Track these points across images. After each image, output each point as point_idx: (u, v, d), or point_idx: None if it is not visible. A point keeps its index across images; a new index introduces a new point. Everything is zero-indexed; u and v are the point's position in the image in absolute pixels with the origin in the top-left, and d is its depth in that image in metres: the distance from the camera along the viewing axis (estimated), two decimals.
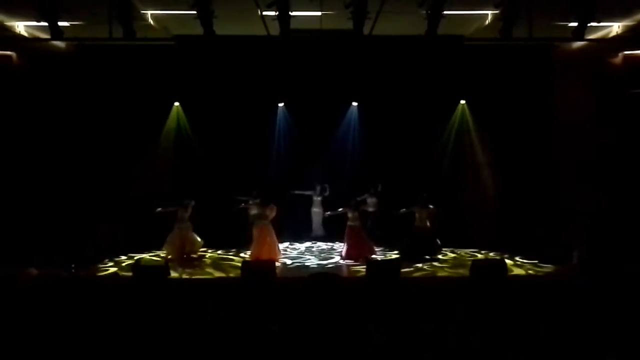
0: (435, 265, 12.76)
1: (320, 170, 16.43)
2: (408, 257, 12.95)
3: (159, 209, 13.30)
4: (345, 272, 12.07)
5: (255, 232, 13.32)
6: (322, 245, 15.33)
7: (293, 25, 9.45)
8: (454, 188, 16.41)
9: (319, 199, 16.08)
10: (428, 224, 13.36)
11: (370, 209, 15.27)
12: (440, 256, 13.41)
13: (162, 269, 10.89)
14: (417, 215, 13.38)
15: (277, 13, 9.20)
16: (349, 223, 13.47)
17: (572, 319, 6.90)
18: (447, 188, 15.96)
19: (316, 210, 16.16)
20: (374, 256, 13.15)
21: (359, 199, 14.32)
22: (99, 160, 13.69)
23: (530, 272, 12.05)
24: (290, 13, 9.25)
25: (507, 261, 11.31)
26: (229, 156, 16.39)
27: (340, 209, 13.73)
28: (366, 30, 9.83)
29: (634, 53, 12.54)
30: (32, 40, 11.08)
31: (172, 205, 13.54)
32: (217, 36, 9.67)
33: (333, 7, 9.67)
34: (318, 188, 16.13)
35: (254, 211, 14.46)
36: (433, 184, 15.50)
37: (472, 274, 10.88)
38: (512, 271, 11.72)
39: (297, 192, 15.70)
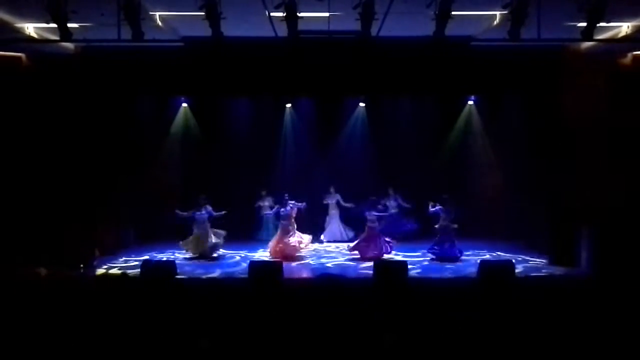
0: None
1: (328, 174, 16.45)
2: (439, 258, 13.26)
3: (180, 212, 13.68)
4: (351, 273, 12.09)
5: (279, 231, 13.65)
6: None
7: (301, 26, 9.45)
8: (462, 189, 16.38)
9: (334, 202, 16.04)
10: (451, 223, 13.47)
11: (393, 210, 15.45)
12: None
13: (169, 268, 10.93)
14: (441, 215, 13.52)
15: (284, 14, 9.20)
16: (368, 224, 13.69)
17: (581, 320, 6.86)
18: (455, 189, 15.93)
19: (334, 212, 16.10)
20: (385, 256, 13.42)
21: (381, 201, 14.48)
22: (108, 161, 13.73)
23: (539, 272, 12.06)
24: (298, 14, 9.25)
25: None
26: (237, 157, 16.44)
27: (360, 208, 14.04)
28: (374, 31, 9.81)
29: None
30: (42, 42, 11.12)
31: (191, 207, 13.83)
32: (225, 37, 9.68)
33: (341, 8, 9.66)
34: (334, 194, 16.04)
35: (267, 210, 14.93)
36: (441, 184, 15.48)
37: (480, 274, 10.86)
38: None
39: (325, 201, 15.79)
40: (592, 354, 5.66)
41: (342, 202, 15.76)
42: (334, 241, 15.66)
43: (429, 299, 8.39)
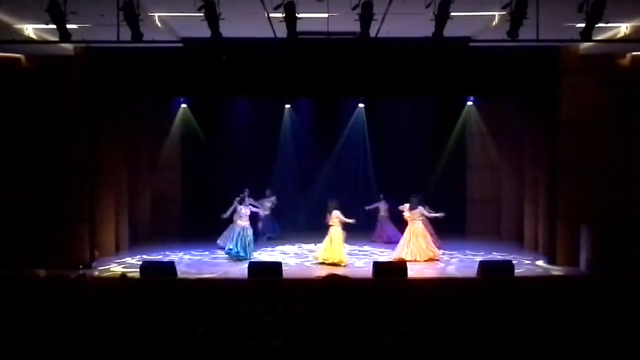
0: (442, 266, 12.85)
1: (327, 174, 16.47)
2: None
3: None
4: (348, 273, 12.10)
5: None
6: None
7: (300, 27, 9.45)
8: (460, 189, 16.41)
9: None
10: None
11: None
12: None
13: (169, 269, 10.95)
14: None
15: (284, 15, 9.20)
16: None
17: (580, 320, 6.87)
18: (453, 189, 15.96)
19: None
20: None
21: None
22: (107, 161, 13.73)
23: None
24: (297, 15, 9.24)
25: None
26: (236, 158, 16.46)
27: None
28: (373, 32, 9.81)
29: None
30: (41, 43, 11.13)
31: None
32: (224, 38, 9.68)
33: (340, 9, 9.66)
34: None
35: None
36: (440, 184, 15.51)
37: (479, 274, 10.89)
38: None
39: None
40: (590, 353, 5.66)
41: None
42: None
43: (429, 298, 8.41)
